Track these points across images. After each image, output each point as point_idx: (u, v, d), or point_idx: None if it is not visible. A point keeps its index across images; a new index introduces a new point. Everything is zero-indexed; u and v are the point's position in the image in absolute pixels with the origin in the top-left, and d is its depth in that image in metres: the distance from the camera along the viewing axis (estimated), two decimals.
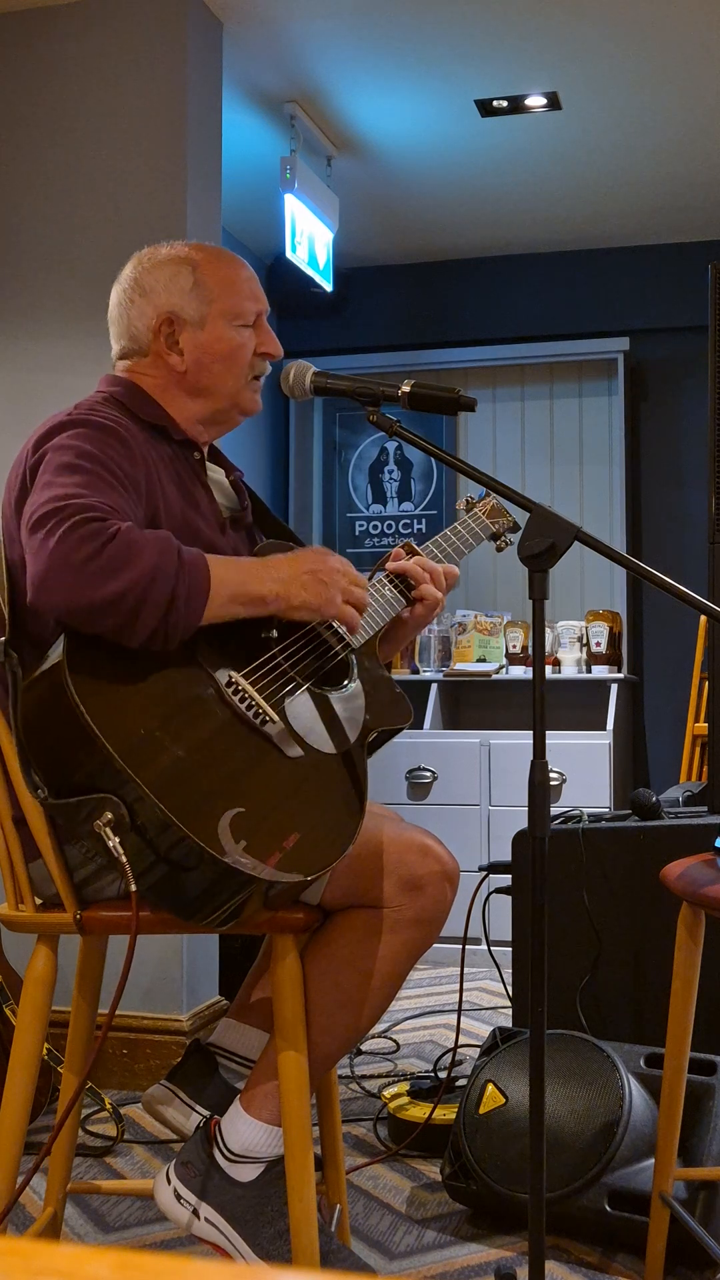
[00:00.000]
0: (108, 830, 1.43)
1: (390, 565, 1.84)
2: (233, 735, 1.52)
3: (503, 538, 2.00)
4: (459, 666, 4.88)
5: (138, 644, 1.46)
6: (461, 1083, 2.54)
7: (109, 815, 1.43)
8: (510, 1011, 2.94)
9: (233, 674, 1.57)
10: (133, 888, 1.45)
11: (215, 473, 1.88)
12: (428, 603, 1.83)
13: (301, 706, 1.61)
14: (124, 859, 1.43)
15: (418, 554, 1.87)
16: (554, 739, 4.40)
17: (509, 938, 2.65)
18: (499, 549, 2.02)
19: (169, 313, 1.76)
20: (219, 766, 1.48)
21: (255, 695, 1.56)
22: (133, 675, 1.48)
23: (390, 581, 1.82)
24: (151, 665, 1.50)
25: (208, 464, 1.85)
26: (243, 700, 1.55)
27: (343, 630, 1.71)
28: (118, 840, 1.43)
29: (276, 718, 1.56)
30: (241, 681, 1.56)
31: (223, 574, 1.52)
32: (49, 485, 1.51)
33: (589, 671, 4.75)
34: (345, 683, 1.69)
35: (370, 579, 1.83)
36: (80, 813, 1.46)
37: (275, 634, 1.64)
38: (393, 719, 1.73)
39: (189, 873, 1.44)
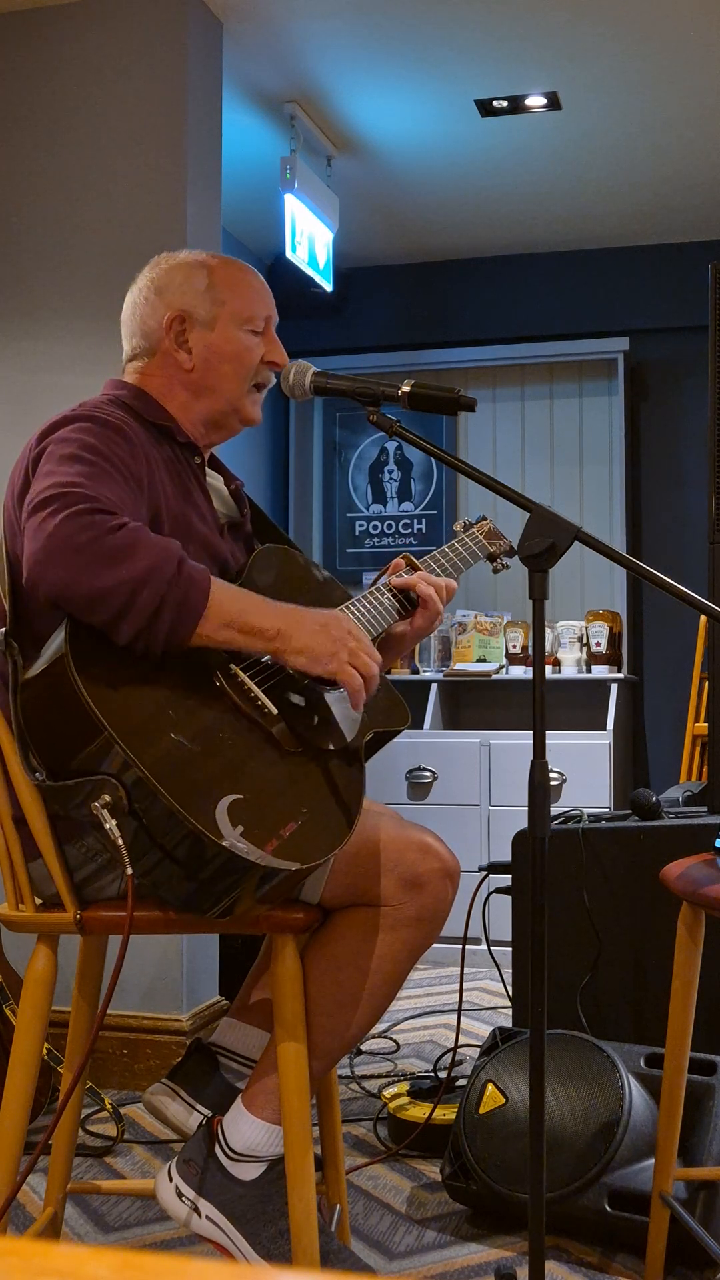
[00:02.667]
0: (105, 812, 1.43)
1: (395, 581, 1.84)
2: (232, 725, 1.53)
3: (499, 560, 2.00)
4: (459, 666, 4.88)
5: (123, 643, 1.46)
6: (461, 1083, 2.54)
7: (106, 797, 1.44)
8: (510, 1011, 2.94)
9: (233, 665, 1.57)
10: (129, 870, 1.45)
11: (215, 480, 1.89)
12: (429, 613, 1.83)
13: (300, 703, 1.62)
14: (120, 841, 1.43)
15: (417, 567, 1.87)
16: (554, 739, 4.40)
17: (509, 938, 2.65)
18: (495, 570, 2.02)
19: (181, 311, 1.78)
20: (218, 754, 1.49)
21: (255, 688, 1.57)
22: (134, 662, 1.49)
23: (389, 591, 1.83)
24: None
25: (208, 471, 1.86)
26: (242, 692, 1.55)
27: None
28: (115, 823, 1.43)
29: (275, 710, 1.57)
30: (242, 674, 1.57)
31: (224, 598, 1.51)
32: (51, 473, 1.52)
33: (589, 671, 4.75)
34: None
35: (370, 587, 1.84)
36: (78, 795, 1.46)
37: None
38: (390, 721, 1.74)
39: (186, 859, 1.44)
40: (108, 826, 1.43)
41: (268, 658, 1.61)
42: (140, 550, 1.44)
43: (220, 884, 1.46)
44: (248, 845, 1.41)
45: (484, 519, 2.02)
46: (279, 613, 1.55)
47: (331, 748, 1.62)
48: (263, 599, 1.57)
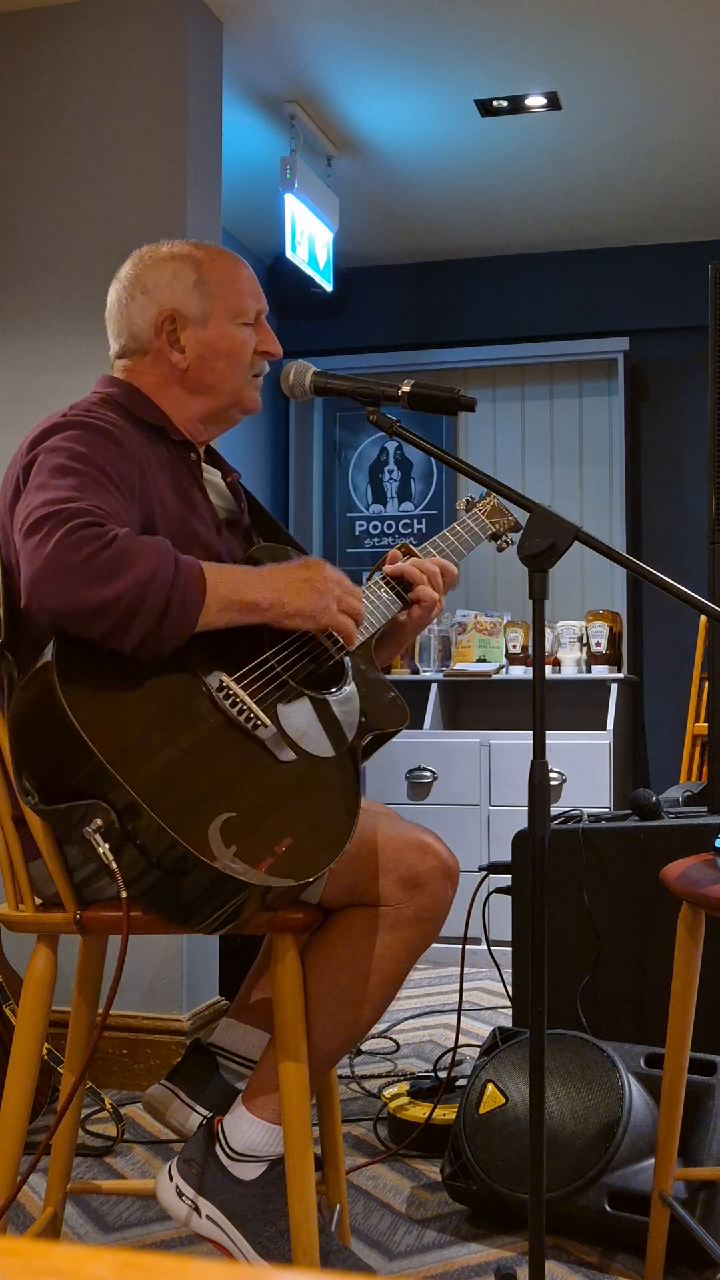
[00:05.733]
0: (97, 837, 1.42)
1: (387, 568, 1.83)
2: (224, 740, 1.51)
3: (503, 537, 2.00)
4: (459, 666, 4.88)
5: (129, 649, 1.45)
6: (461, 1083, 2.54)
7: (99, 821, 1.42)
8: (510, 1011, 2.94)
9: (224, 678, 1.55)
10: (123, 894, 1.44)
11: (212, 474, 1.87)
12: (425, 604, 1.82)
13: (294, 710, 1.60)
14: (114, 865, 1.42)
15: (414, 555, 1.86)
16: (554, 739, 4.40)
17: (509, 938, 2.65)
18: (499, 549, 2.01)
19: (172, 310, 1.75)
20: (210, 771, 1.47)
21: (247, 699, 1.55)
22: (123, 680, 1.47)
23: (387, 584, 1.82)
24: (142, 670, 1.49)
25: (205, 465, 1.85)
26: (234, 705, 1.54)
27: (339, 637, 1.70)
28: (108, 847, 1.42)
29: (269, 722, 1.55)
30: (233, 685, 1.55)
31: (217, 581, 1.52)
32: (43, 488, 1.50)
33: (589, 671, 4.75)
34: (340, 686, 1.69)
35: (367, 581, 1.82)
36: (71, 819, 1.45)
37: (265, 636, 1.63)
38: (388, 722, 1.73)
39: (181, 879, 1.43)
40: (101, 851, 1.42)
41: (258, 659, 1.60)
42: (135, 559, 1.43)
43: (217, 901, 1.45)
44: (242, 865, 1.40)
45: (488, 495, 1.99)
46: (268, 583, 1.57)
47: (327, 754, 1.60)
48: (249, 570, 1.58)
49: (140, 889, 1.46)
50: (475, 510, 1.97)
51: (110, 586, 1.41)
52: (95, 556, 1.42)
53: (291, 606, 1.57)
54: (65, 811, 1.45)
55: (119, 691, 1.46)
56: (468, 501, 2.00)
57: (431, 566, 1.83)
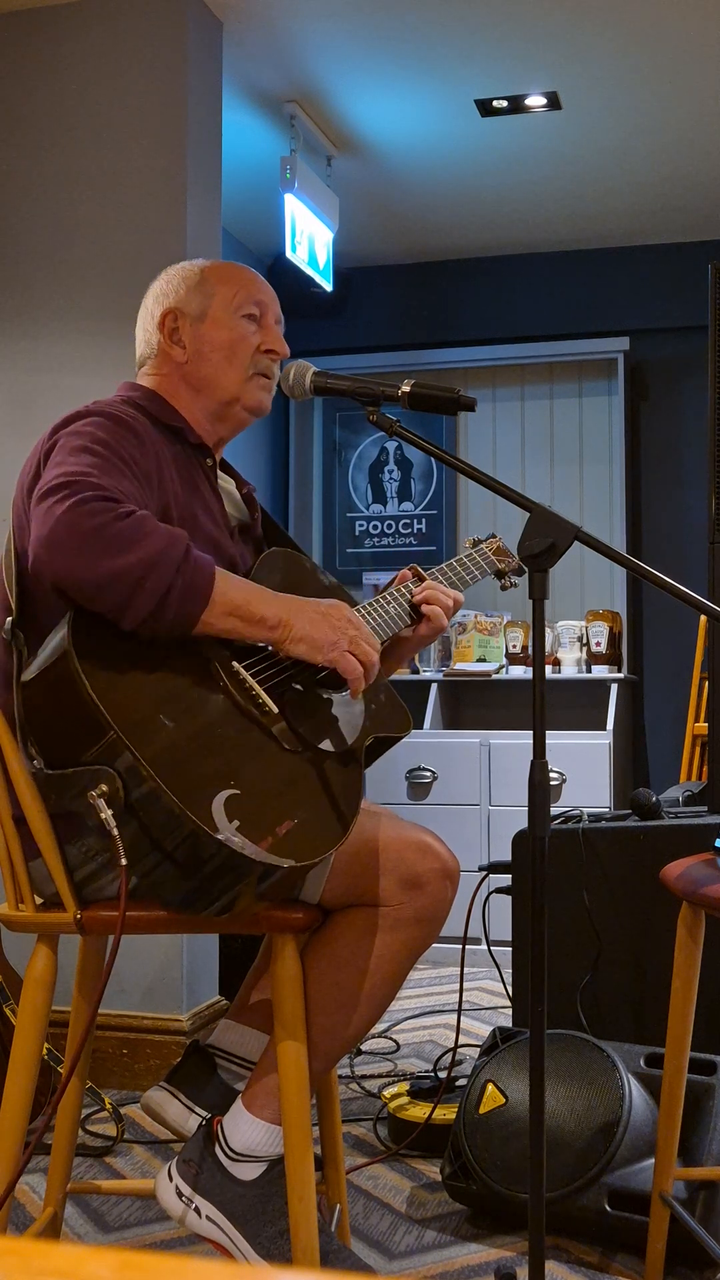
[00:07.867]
0: (101, 802, 1.43)
1: (416, 597, 1.86)
2: (232, 723, 1.53)
3: (507, 577, 2.02)
4: (459, 666, 4.88)
5: (130, 628, 1.47)
6: (461, 1083, 2.54)
7: (104, 787, 1.44)
8: (510, 1011, 2.94)
9: (235, 663, 1.58)
10: (123, 860, 1.45)
11: (226, 483, 1.91)
12: (434, 623, 1.85)
13: (301, 703, 1.63)
14: (115, 831, 1.43)
15: (423, 577, 1.89)
16: (554, 739, 4.40)
17: (509, 938, 2.65)
18: (503, 588, 2.04)
19: (173, 308, 1.82)
20: (217, 751, 1.49)
21: (257, 687, 1.57)
22: (137, 658, 1.49)
23: (395, 600, 1.84)
24: (156, 650, 1.51)
25: (220, 475, 1.88)
26: (244, 690, 1.56)
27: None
28: (111, 813, 1.43)
29: (276, 709, 1.57)
30: (244, 672, 1.58)
31: (228, 586, 1.52)
32: (61, 464, 1.53)
33: (589, 671, 4.75)
34: (346, 688, 1.70)
35: (379, 595, 1.85)
36: (75, 785, 1.47)
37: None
38: (392, 727, 1.74)
39: (183, 859, 1.45)
40: (104, 816, 1.43)
41: (269, 648, 1.62)
42: (147, 536, 1.45)
43: (219, 883, 1.47)
44: (243, 840, 1.42)
45: (493, 536, 2.04)
46: (281, 602, 1.57)
47: (331, 749, 1.62)
48: (265, 589, 1.59)
49: (142, 870, 1.48)
50: (482, 548, 2.01)
51: (115, 559, 1.43)
52: (106, 527, 1.44)
53: (299, 632, 1.56)
54: (71, 776, 1.47)
55: (132, 668, 1.48)
56: (474, 540, 2.03)
57: (445, 601, 1.87)
